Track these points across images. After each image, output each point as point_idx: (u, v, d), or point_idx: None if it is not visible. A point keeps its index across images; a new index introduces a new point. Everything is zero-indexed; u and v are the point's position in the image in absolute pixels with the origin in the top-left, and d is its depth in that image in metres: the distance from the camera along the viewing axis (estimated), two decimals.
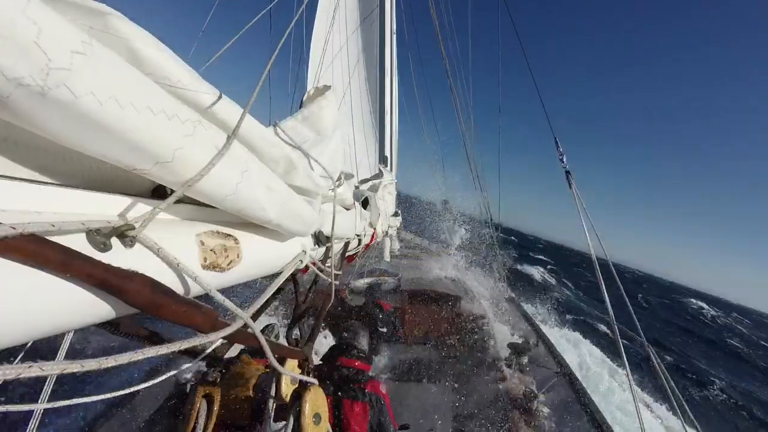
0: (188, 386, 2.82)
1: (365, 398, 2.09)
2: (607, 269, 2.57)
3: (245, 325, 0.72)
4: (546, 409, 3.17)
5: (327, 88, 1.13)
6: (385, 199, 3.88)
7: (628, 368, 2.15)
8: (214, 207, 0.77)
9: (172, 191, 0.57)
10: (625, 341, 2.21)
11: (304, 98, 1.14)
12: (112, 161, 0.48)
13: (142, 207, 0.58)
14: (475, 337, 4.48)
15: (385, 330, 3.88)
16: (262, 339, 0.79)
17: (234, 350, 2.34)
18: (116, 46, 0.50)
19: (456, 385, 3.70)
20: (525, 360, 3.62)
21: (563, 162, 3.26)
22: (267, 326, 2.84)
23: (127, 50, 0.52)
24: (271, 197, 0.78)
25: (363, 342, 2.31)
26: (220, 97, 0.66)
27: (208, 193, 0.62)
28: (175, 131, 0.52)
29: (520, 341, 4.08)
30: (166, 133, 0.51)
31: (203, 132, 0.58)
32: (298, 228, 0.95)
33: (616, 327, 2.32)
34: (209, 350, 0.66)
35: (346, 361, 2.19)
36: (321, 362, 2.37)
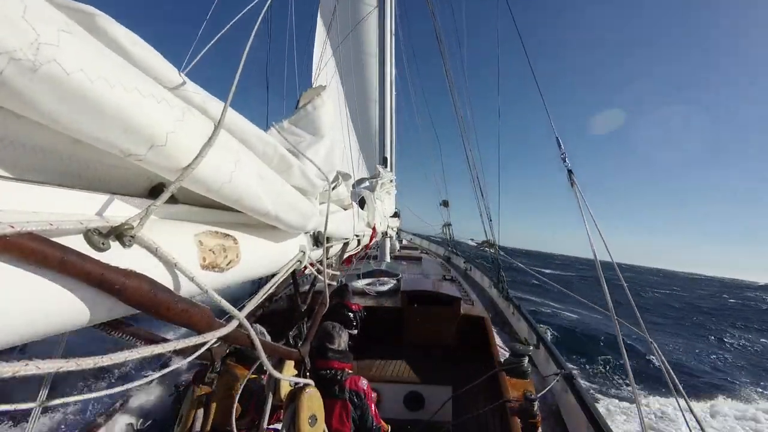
0: (184, 386, 2.81)
1: (344, 396, 2.09)
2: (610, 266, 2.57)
3: (241, 326, 0.72)
4: (545, 412, 3.16)
5: (322, 88, 1.14)
6: (383, 200, 3.89)
7: (628, 365, 2.15)
8: (212, 207, 0.78)
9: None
10: (626, 337, 2.20)
11: (300, 99, 1.15)
12: (108, 147, 0.49)
13: (141, 207, 0.58)
14: (475, 338, 4.47)
15: (355, 332, 3.86)
16: (257, 340, 0.79)
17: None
18: (104, 42, 0.50)
19: (455, 387, 3.68)
20: (525, 362, 3.61)
21: (565, 161, 3.27)
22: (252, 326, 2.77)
23: (115, 47, 0.52)
24: (266, 187, 0.79)
25: (338, 341, 2.27)
26: (204, 95, 0.68)
27: (204, 181, 0.62)
28: (166, 114, 0.53)
29: (519, 343, 4.07)
30: (157, 115, 0.51)
31: (192, 119, 0.59)
32: (296, 220, 0.95)
33: (616, 323, 2.31)
34: (203, 350, 0.66)
35: (322, 364, 2.15)
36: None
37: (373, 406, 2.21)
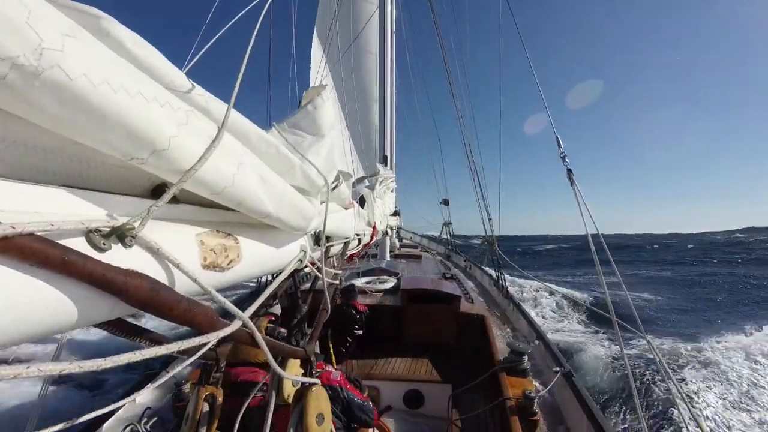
0: (189, 387, 2.81)
1: None
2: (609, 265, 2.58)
3: (244, 325, 0.72)
4: (545, 410, 3.16)
5: (323, 87, 1.14)
6: (383, 198, 3.88)
7: (627, 364, 2.15)
8: (213, 207, 0.78)
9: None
10: (626, 336, 2.21)
11: (302, 98, 1.15)
12: (110, 150, 0.48)
13: (142, 207, 0.58)
14: (474, 336, 4.48)
15: (361, 332, 3.83)
16: (261, 339, 0.79)
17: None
18: (108, 44, 0.50)
19: (454, 385, 3.69)
20: (524, 360, 3.61)
21: (565, 160, 3.27)
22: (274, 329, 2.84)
23: (119, 49, 0.52)
24: (268, 189, 0.79)
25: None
26: (207, 96, 0.68)
27: (206, 184, 0.62)
28: (169, 118, 0.53)
29: (519, 341, 4.09)
30: (161, 120, 0.51)
31: (196, 122, 0.59)
32: (297, 221, 0.95)
33: (616, 323, 2.32)
34: (205, 349, 0.66)
35: None
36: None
37: (349, 386, 2.21)
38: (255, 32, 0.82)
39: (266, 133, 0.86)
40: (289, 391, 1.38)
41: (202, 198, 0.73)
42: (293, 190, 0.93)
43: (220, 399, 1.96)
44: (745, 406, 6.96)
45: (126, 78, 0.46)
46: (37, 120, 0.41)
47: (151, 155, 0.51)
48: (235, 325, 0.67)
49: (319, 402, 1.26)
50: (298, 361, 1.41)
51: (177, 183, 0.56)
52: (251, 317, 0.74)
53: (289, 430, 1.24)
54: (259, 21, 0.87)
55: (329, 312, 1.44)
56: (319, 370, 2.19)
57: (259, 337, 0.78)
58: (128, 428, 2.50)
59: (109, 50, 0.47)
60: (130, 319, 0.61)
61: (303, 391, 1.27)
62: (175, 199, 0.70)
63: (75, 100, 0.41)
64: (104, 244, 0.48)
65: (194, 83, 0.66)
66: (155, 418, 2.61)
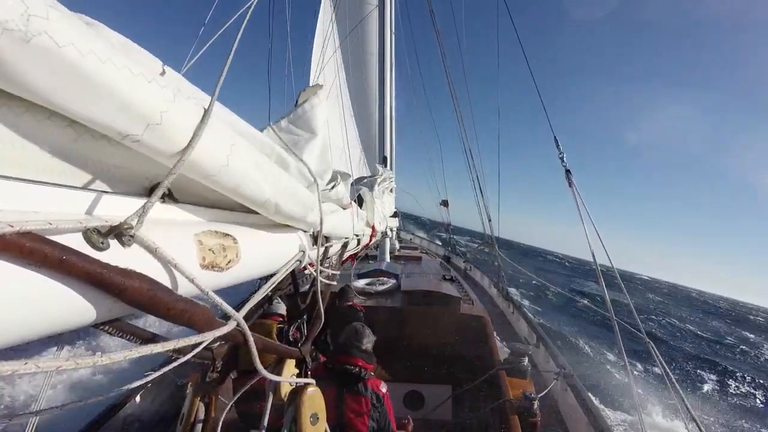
0: (186, 388, 2.81)
1: (367, 394, 2.14)
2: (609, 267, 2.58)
3: (239, 326, 0.72)
4: (545, 411, 3.16)
5: (319, 87, 1.14)
6: (383, 199, 3.89)
7: (628, 366, 2.15)
8: (212, 207, 0.78)
9: (168, 189, 0.57)
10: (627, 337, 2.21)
11: (299, 97, 1.15)
12: (103, 128, 0.49)
13: (139, 206, 0.58)
14: (474, 338, 4.47)
15: None
16: (251, 340, 0.79)
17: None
18: None
19: (454, 387, 3.69)
20: (524, 361, 3.61)
21: (563, 161, 3.27)
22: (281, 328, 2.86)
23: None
24: (263, 173, 0.79)
25: (366, 342, 2.32)
26: (195, 88, 0.68)
27: (201, 165, 0.62)
28: (157, 94, 0.53)
29: (519, 343, 4.08)
30: (149, 94, 0.51)
31: (184, 101, 0.59)
32: (296, 210, 0.95)
33: (615, 323, 2.32)
34: (201, 348, 0.66)
35: (347, 359, 2.21)
36: (325, 357, 2.41)
37: (392, 412, 2.25)
38: (241, 29, 0.82)
39: (261, 133, 0.86)
40: (286, 390, 1.38)
41: (200, 197, 0.74)
42: (290, 177, 0.93)
43: (215, 401, 1.97)
44: None
45: (111, 52, 0.46)
46: (28, 94, 0.41)
47: (145, 131, 0.51)
48: (231, 325, 0.67)
49: (314, 402, 1.26)
50: (293, 361, 1.41)
51: (173, 168, 0.56)
52: (245, 317, 0.74)
53: (283, 430, 1.24)
54: (245, 16, 0.88)
55: (324, 314, 1.44)
56: (371, 373, 2.25)
57: (250, 338, 0.78)
58: (128, 428, 2.50)
59: (92, 28, 0.47)
60: (127, 319, 0.62)
61: (298, 391, 1.27)
62: (173, 199, 0.71)
63: (65, 68, 0.41)
64: (102, 243, 0.48)
65: (184, 78, 0.67)
66: (152, 419, 2.61)
